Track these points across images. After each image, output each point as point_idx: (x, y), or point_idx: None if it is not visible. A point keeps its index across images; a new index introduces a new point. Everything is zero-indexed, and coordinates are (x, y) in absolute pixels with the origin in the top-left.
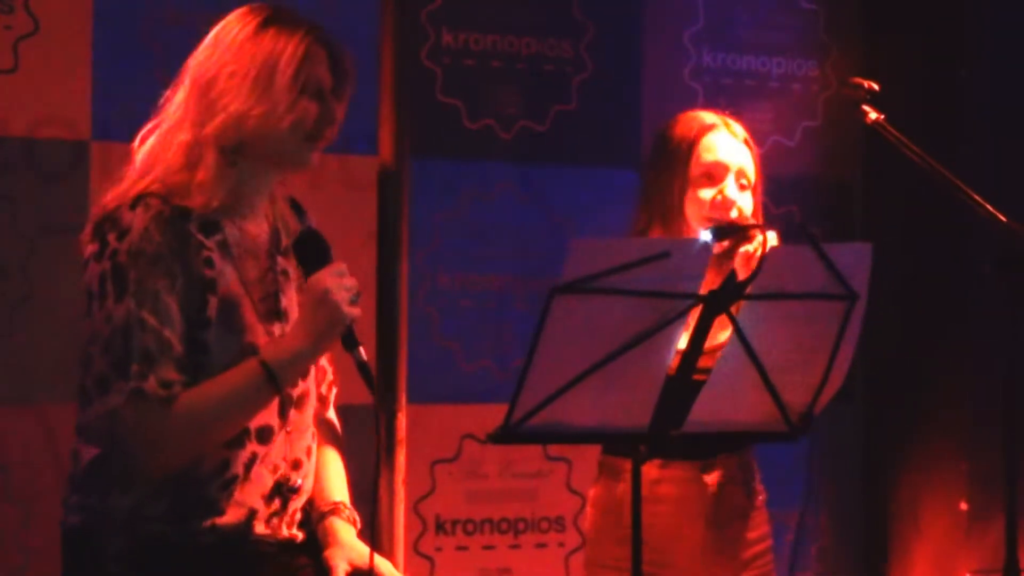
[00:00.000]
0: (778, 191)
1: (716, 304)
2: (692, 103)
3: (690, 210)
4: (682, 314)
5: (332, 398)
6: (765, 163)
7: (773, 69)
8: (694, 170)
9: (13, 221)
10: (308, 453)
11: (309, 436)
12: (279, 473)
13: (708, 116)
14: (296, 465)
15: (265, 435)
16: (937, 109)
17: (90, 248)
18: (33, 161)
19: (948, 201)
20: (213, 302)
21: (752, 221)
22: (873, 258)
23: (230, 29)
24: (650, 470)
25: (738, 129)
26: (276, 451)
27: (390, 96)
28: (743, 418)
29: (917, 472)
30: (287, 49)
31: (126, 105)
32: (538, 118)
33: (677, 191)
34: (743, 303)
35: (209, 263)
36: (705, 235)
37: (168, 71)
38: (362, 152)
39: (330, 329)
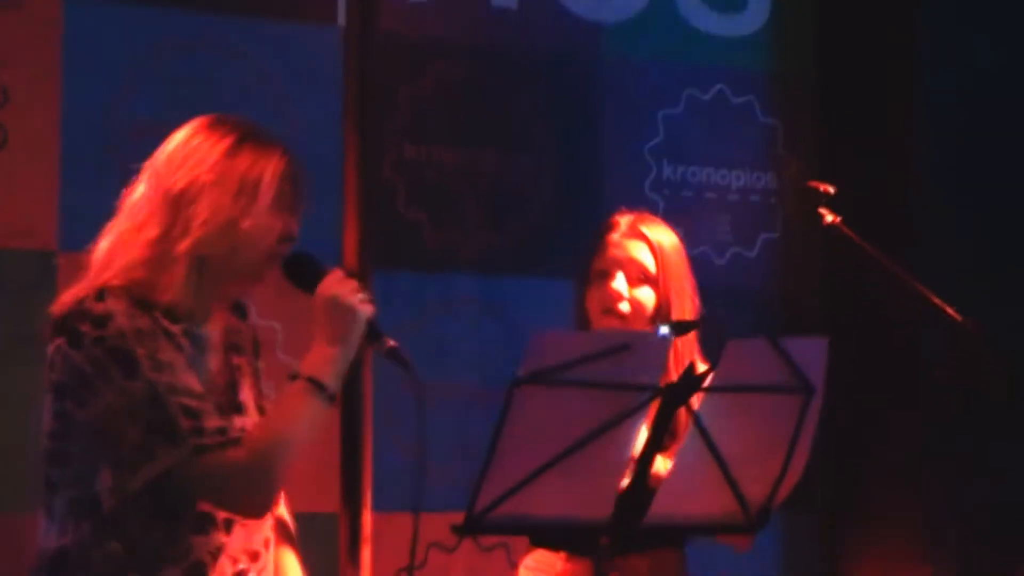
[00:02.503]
0: (738, 302)
1: (675, 396)
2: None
3: (590, 306)
4: (642, 406)
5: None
6: (726, 274)
7: (732, 182)
8: (592, 269)
9: None
10: (266, 545)
11: (267, 528)
12: (238, 566)
13: (619, 217)
14: (255, 557)
15: (228, 524)
16: (893, 211)
17: (57, 341)
18: (0, 272)
19: (903, 302)
20: None
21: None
22: (829, 355)
23: (201, 141)
24: (555, 562)
25: (645, 226)
26: (236, 542)
27: (354, 210)
28: (703, 511)
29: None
30: (268, 167)
31: (93, 216)
32: (500, 231)
33: (583, 292)
34: (703, 395)
35: (180, 347)
36: (663, 329)
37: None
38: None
39: (351, 329)
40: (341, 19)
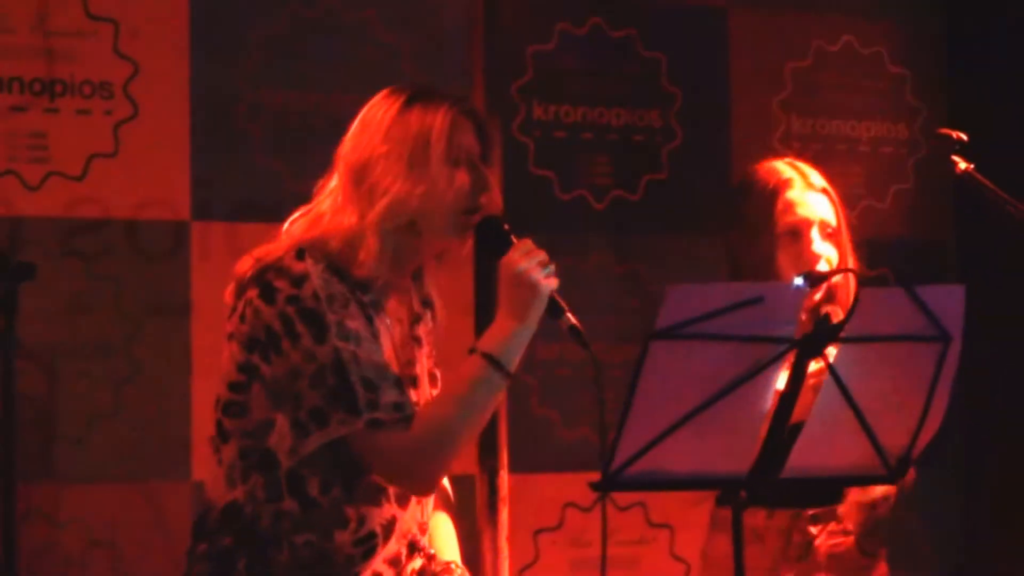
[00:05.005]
0: (871, 254)
1: (811, 348)
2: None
3: (783, 268)
4: (778, 358)
5: None
6: (858, 227)
7: (863, 133)
8: (779, 228)
9: (117, 301)
10: (430, 515)
11: (432, 499)
12: (408, 538)
13: (784, 169)
14: (422, 528)
15: (402, 498)
16: None
17: (250, 294)
18: (136, 242)
19: None
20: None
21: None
22: (967, 305)
23: (375, 112)
24: (756, 520)
25: (815, 178)
26: (410, 516)
27: None
28: (841, 462)
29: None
30: (435, 124)
31: (224, 185)
32: (630, 188)
33: (766, 251)
34: (838, 346)
35: (371, 319)
36: (798, 280)
37: (263, 151)
38: None
39: (533, 305)
40: None
